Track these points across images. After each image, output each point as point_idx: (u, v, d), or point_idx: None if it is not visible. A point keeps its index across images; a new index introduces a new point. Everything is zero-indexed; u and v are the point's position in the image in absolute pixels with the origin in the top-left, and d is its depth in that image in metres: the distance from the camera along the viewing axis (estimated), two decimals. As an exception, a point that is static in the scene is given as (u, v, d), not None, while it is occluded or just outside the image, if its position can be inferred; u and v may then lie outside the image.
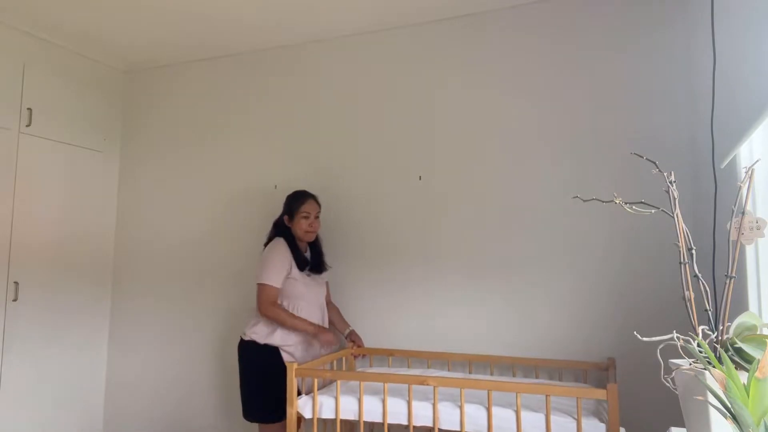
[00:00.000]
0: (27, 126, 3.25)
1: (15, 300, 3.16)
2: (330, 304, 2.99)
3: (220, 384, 3.41)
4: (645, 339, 1.12)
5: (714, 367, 0.97)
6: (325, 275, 2.94)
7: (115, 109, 3.87)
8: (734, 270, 1.16)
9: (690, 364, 1.06)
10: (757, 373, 0.88)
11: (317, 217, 2.84)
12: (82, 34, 3.34)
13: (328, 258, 3.02)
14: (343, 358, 2.88)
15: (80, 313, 3.58)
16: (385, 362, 2.98)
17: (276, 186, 3.38)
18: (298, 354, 2.71)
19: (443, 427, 2.19)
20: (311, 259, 2.87)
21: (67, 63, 3.54)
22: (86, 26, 3.24)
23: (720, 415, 0.93)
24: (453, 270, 2.92)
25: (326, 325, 2.87)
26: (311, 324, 2.69)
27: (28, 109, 3.26)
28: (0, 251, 3.09)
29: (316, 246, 2.92)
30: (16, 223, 3.18)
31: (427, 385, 2.22)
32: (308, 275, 2.81)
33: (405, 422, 2.24)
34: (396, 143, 3.12)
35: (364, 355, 2.98)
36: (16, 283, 3.17)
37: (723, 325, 1.10)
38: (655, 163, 1.32)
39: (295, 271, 2.75)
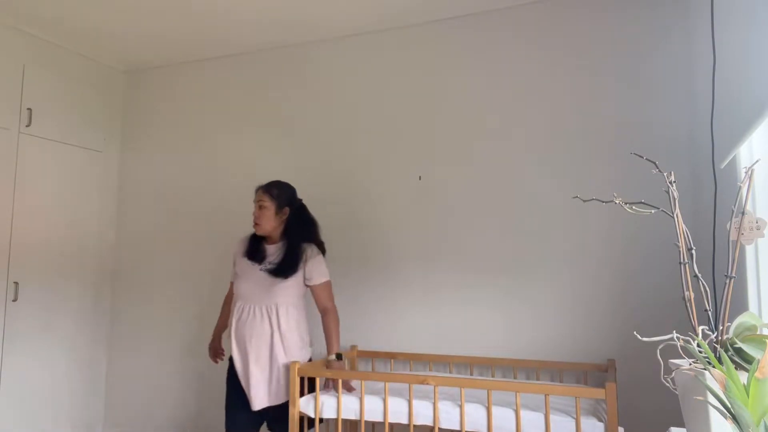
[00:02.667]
0: (27, 126, 3.25)
1: (15, 300, 3.16)
2: (323, 317, 2.59)
3: (221, 384, 3.40)
4: (645, 339, 1.12)
5: (714, 367, 0.97)
6: (296, 279, 2.52)
7: (115, 109, 3.87)
8: (734, 270, 1.16)
9: (690, 365, 1.06)
10: (757, 373, 0.88)
11: (261, 207, 2.55)
12: (81, 34, 3.34)
13: (330, 259, 3.01)
14: (346, 359, 2.88)
15: (80, 313, 3.58)
16: (387, 365, 2.98)
17: (276, 186, 3.37)
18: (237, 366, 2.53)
19: (443, 426, 2.20)
20: (278, 259, 2.52)
21: (67, 63, 3.54)
22: (86, 26, 3.24)
23: (720, 415, 0.93)
24: (453, 271, 2.92)
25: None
26: (215, 330, 2.49)
27: (28, 109, 3.26)
28: (0, 251, 3.09)
29: (286, 245, 2.55)
30: (16, 223, 3.18)
31: (428, 384, 2.23)
32: (261, 270, 2.51)
33: (405, 421, 2.25)
34: (396, 143, 3.12)
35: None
36: (16, 283, 3.17)
37: (723, 325, 1.10)
38: (655, 163, 1.32)
39: (240, 265, 2.56)
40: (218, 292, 3.47)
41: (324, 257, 2.62)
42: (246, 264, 2.55)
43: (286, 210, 2.57)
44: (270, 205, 2.54)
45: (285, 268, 2.48)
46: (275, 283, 2.48)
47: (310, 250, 2.55)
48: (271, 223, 2.54)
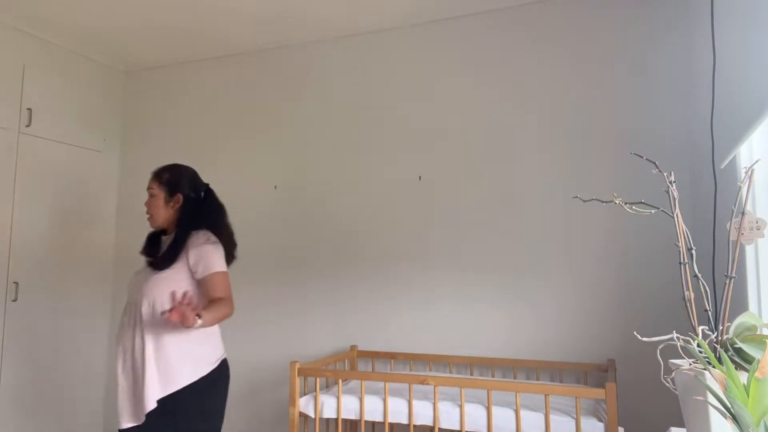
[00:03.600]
0: (27, 126, 3.25)
1: (15, 300, 3.16)
2: None
3: (221, 384, 3.41)
4: (645, 339, 1.12)
5: (714, 367, 0.97)
6: (179, 272, 2.09)
7: (115, 109, 3.87)
8: (734, 270, 1.16)
9: (690, 365, 1.06)
10: (757, 373, 0.88)
11: (151, 195, 2.20)
12: (82, 34, 3.34)
13: (330, 259, 3.01)
14: (346, 360, 2.89)
15: (80, 314, 3.58)
16: (387, 365, 2.98)
17: (276, 186, 3.38)
18: None
19: (443, 426, 2.20)
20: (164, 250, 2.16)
21: (67, 63, 3.54)
22: (86, 26, 3.24)
23: (720, 415, 0.93)
24: (453, 270, 2.92)
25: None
26: None
27: (28, 109, 3.26)
28: (0, 251, 3.10)
29: (175, 234, 2.16)
30: (16, 223, 3.18)
31: (428, 384, 2.23)
32: (148, 267, 2.16)
33: (405, 421, 2.25)
34: (396, 143, 3.12)
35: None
36: (16, 283, 3.17)
37: (723, 325, 1.10)
38: (654, 163, 1.32)
39: (141, 265, 2.22)
40: (218, 292, 3.47)
41: (220, 247, 2.16)
42: (143, 262, 2.21)
43: (179, 197, 2.18)
44: (159, 192, 2.18)
45: (163, 258, 2.10)
46: (152, 276, 2.09)
47: (196, 237, 2.11)
48: (162, 213, 2.18)
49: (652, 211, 1.23)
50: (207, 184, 2.30)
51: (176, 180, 2.21)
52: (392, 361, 2.94)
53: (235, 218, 3.47)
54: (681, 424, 1.18)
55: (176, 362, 2.02)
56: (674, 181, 1.21)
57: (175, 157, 3.73)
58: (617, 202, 1.29)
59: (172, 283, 2.07)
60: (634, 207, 1.27)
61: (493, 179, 2.90)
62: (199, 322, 1.91)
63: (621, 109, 2.70)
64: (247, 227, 3.43)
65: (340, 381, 2.37)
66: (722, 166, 1.96)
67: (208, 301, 2.05)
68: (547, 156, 2.81)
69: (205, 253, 2.09)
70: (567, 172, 2.76)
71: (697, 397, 1.00)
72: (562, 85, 2.81)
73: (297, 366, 2.41)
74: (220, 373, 2.13)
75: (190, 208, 2.19)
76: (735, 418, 0.89)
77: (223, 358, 2.17)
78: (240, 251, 3.43)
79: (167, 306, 2.02)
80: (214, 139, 3.61)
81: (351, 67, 3.28)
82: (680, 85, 2.60)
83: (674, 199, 1.20)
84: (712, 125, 2.00)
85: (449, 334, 2.90)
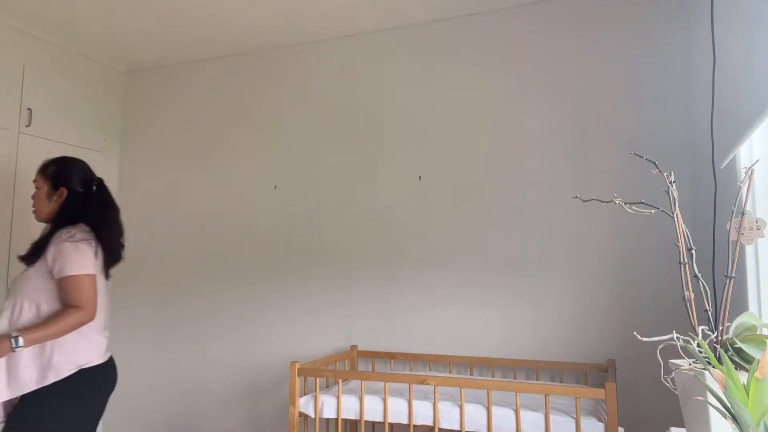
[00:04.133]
0: (27, 126, 3.25)
1: (15, 300, 3.16)
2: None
3: (219, 388, 3.41)
4: (645, 339, 1.12)
5: (714, 367, 0.97)
6: (43, 270, 1.96)
7: (115, 109, 3.87)
8: (734, 270, 1.16)
9: (690, 365, 1.06)
10: (756, 373, 0.89)
11: (36, 188, 2.10)
12: (82, 34, 3.34)
13: (330, 260, 3.01)
14: (346, 360, 2.89)
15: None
16: (387, 365, 2.98)
17: (276, 186, 3.38)
18: None
19: (443, 426, 2.20)
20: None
21: (67, 63, 3.54)
22: (86, 26, 3.24)
23: (720, 415, 0.93)
24: (453, 270, 2.93)
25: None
26: None
27: (28, 109, 3.26)
28: (0, 251, 3.09)
29: (49, 228, 2.05)
30: (16, 223, 3.18)
31: (428, 384, 2.23)
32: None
33: (405, 421, 2.25)
34: (396, 143, 3.12)
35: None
36: (16, 283, 3.17)
37: (723, 325, 1.10)
38: (654, 163, 1.33)
39: None
40: (217, 293, 3.48)
41: (84, 246, 1.96)
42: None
43: (63, 191, 2.05)
44: (43, 185, 2.07)
45: (28, 253, 1.99)
46: (22, 273, 1.99)
47: (59, 233, 1.97)
48: (45, 207, 2.06)
49: (652, 211, 1.23)
50: (100, 179, 2.16)
51: (62, 173, 2.09)
52: (392, 361, 2.94)
53: (235, 219, 3.49)
54: (681, 424, 1.19)
55: (24, 367, 1.90)
56: (674, 181, 1.22)
57: (175, 156, 3.75)
58: (617, 202, 1.29)
59: (35, 283, 1.96)
60: (634, 207, 1.27)
61: (493, 179, 2.90)
62: (20, 343, 1.82)
63: (621, 109, 2.70)
64: (247, 227, 3.44)
65: (340, 381, 2.37)
66: (722, 166, 1.96)
67: (51, 315, 1.91)
68: (547, 156, 2.81)
69: (61, 252, 1.93)
70: (567, 172, 2.76)
71: (697, 397, 1.00)
72: (562, 85, 2.81)
73: (297, 366, 2.41)
74: (78, 382, 1.95)
75: (73, 203, 2.06)
76: (735, 418, 0.89)
77: (86, 366, 1.97)
78: (240, 251, 3.44)
79: (26, 304, 1.93)
80: (214, 140, 3.61)
81: (351, 67, 3.29)
82: (680, 85, 2.60)
83: (674, 199, 1.20)
84: (712, 125, 2.00)
85: (449, 334, 2.90)
